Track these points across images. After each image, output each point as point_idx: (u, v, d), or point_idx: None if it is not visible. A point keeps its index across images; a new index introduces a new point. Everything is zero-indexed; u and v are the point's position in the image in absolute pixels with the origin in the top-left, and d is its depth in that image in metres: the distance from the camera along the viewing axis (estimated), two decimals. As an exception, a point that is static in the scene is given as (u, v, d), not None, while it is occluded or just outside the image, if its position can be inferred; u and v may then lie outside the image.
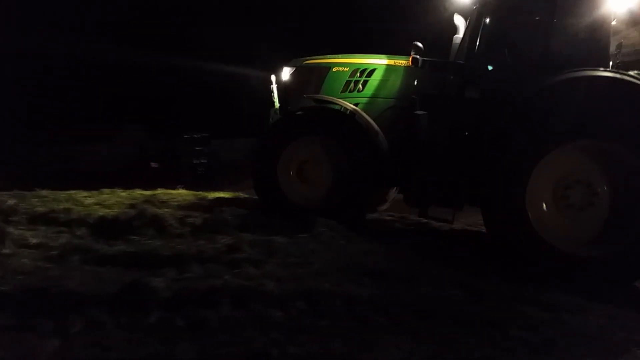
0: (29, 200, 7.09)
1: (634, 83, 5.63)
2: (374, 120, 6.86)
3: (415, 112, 6.49)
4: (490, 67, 6.56)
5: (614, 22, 6.34)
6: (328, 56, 7.37)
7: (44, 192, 7.64)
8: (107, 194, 8.21)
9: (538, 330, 4.31)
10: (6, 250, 5.27)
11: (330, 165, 6.84)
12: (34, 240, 5.56)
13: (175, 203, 7.57)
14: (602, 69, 5.92)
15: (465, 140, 6.26)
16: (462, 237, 7.34)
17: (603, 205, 5.66)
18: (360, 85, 7.00)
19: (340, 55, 7.31)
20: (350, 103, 6.92)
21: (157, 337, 3.89)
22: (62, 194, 7.60)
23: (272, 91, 7.38)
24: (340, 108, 6.93)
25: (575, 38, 6.25)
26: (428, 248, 6.25)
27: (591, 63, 5.97)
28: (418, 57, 6.48)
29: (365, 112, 6.89)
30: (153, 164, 16.28)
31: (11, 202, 6.69)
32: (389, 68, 6.98)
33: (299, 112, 7.08)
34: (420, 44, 6.55)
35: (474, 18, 6.57)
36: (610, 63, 6.37)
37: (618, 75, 5.77)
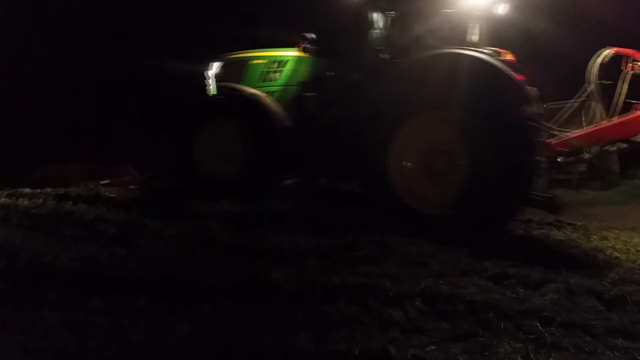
0: (164, 194, 7.61)
1: (484, 60, 6.33)
2: (286, 104, 7.61)
3: (304, 94, 7.37)
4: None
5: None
6: (248, 51, 8.22)
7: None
8: None
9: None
10: (145, 240, 5.71)
11: (240, 144, 7.56)
12: (169, 232, 5.96)
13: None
14: (457, 47, 6.57)
15: (345, 117, 6.98)
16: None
17: (462, 171, 6.34)
18: (275, 75, 7.78)
19: (258, 50, 8.16)
20: (266, 91, 7.73)
21: (279, 327, 4.02)
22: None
23: (206, 83, 8.23)
24: (246, 94, 7.70)
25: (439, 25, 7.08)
26: (555, 253, 5.92)
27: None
28: (308, 46, 7.36)
29: (279, 98, 7.69)
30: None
31: (149, 196, 7.25)
32: (298, 59, 7.68)
33: (209, 98, 8.05)
34: (309, 35, 7.34)
35: (355, 10, 7.26)
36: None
37: (470, 53, 6.43)
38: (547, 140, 6.70)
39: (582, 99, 6.97)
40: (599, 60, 6.92)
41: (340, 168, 7.08)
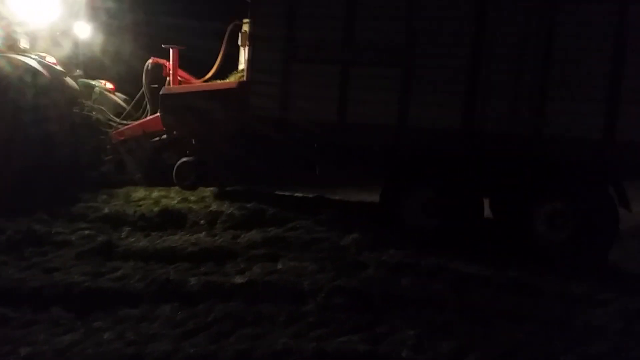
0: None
1: (25, 61, 7.52)
2: None
3: None
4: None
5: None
6: None
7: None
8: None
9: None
10: (44, 248, 5.46)
11: None
12: (58, 238, 5.74)
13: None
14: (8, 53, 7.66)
15: None
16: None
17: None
18: None
19: None
20: None
21: (178, 330, 3.97)
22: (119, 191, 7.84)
23: None
24: None
25: None
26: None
27: None
28: None
29: None
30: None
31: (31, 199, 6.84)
32: None
33: None
34: None
35: None
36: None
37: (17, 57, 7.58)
38: (113, 131, 8.38)
39: (138, 98, 8.58)
40: (148, 68, 8.35)
41: None
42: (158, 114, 7.93)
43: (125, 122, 8.49)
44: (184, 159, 7.66)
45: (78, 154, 7.84)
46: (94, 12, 8.82)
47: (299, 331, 4.04)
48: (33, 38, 8.31)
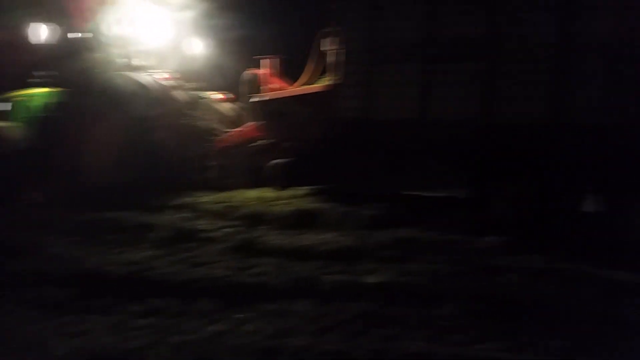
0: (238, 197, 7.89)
1: (137, 79, 8.40)
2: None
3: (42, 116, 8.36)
4: None
5: None
6: (16, 91, 8.98)
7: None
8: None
9: None
10: (191, 244, 5.85)
11: None
12: (217, 234, 6.15)
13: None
14: (127, 71, 8.60)
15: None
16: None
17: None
18: (35, 107, 8.65)
19: (23, 90, 8.98)
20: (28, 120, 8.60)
21: (314, 327, 4.05)
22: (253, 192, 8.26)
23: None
24: None
25: None
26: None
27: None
28: (36, 80, 8.66)
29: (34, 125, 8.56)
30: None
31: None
32: (50, 93, 8.64)
33: None
34: (39, 73, 8.75)
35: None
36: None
37: (131, 75, 8.49)
38: (217, 138, 8.91)
39: (239, 106, 9.23)
40: (244, 78, 8.90)
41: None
42: (254, 120, 8.51)
43: (227, 129, 9.10)
44: (276, 161, 8.12)
45: (185, 160, 8.51)
46: (202, 30, 9.64)
47: (433, 335, 3.96)
48: (146, 56, 9.17)
